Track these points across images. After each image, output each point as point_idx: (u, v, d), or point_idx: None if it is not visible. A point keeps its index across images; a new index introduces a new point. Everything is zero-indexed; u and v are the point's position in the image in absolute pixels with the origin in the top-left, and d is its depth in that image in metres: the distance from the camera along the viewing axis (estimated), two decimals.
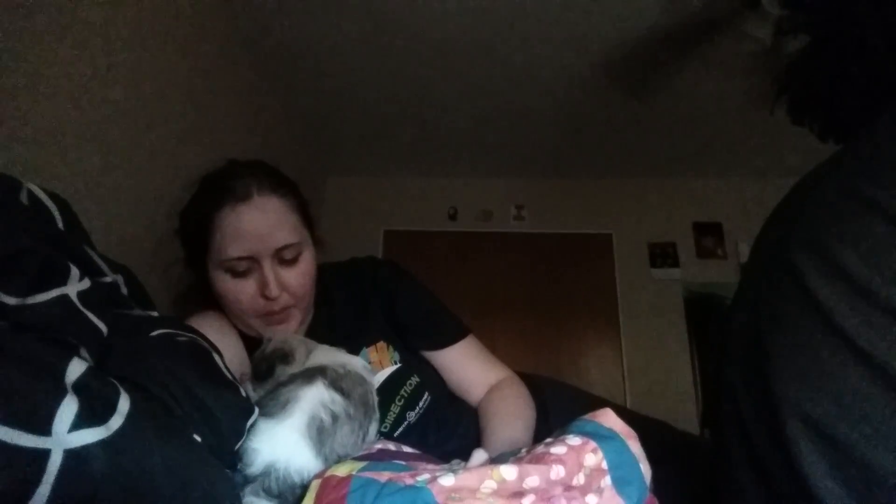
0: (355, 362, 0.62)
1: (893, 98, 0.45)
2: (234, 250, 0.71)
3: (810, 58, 0.55)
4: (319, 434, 0.49)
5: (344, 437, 0.51)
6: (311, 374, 0.54)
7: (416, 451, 0.59)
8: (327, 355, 0.62)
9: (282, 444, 0.48)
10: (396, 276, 0.87)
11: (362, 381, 0.58)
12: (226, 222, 0.71)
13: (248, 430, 0.50)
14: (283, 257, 0.74)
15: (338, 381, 0.54)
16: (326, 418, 0.50)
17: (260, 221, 0.72)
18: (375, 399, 0.60)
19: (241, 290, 0.73)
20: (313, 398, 0.51)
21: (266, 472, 0.47)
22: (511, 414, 0.77)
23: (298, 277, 0.75)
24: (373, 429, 0.57)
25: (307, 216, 0.81)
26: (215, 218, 0.72)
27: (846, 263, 0.37)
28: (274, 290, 0.72)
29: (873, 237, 0.36)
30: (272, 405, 0.51)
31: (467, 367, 0.84)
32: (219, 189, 0.74)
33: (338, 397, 0.52)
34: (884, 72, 0.48)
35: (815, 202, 0.43)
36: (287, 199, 0.76)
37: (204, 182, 0.78)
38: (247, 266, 0.72)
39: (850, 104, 0.53)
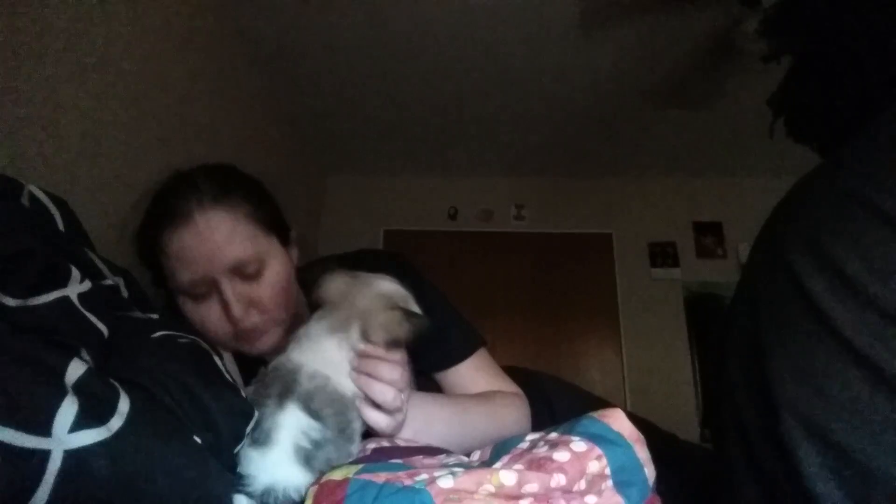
0: (330, 368, 0.55)
1: (890, 103, 0.45)
2: (184, 275, 0.64)
3: (799, 78, 0.55)
4: (308, 459, 0.49)
5: (330, 456, 0.51)
6: (281, 393, 0.52)
7: (413, 444, 0.59)
8: (306, 352, 0.57)
9: (275, 469, 0.49)
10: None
11: (334, 397, 0.53)
12: (169, 247, 0.64)
13: (248, 433, 0.50)
14: (244, 272, 0.66)
15: (308, 401, 0.51)
16: (309, 446, 0.50)
17: (204, 242, 0.64)
18: (352, 416, 0.55)
19: (206, 315, 0.66)
20: (291, 426, 0.50)
21: (266, 493, 0.48)
22: (486, 406, 0.70)
23: (266, 291, 0.67)
24: (354, 448, 0.54)
25: (272, 220, 0.73)
26: (159, 243, 0.65)
27: (844, 266, 0.37)
28: (237, 310, 0.65)
29: (871, 240, 0.36)
30: (257, 432, 0.51)
31: (471, 385, 0.75)
32: (158, 210, 0.67)
33: (314, 423, 0.50)
34: (877, 83, 0.48)
35: (813, 203, 0.43)
36: (238, 207, 0.67)
37: (147, 209, 0.71)
38: (205, 288, 0.65)
39: (846, 118, 0.53)
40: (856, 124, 0.51)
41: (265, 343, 0.69)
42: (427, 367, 0.76)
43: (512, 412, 0.73)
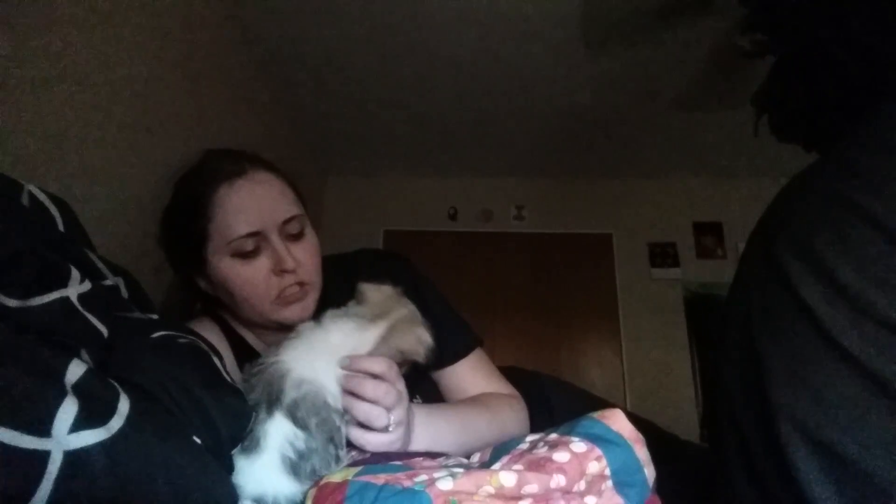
0: (320, 374, 0.54)
1: (874, 105, 0.45)
2: (241, 227, 0.67)
3: (780, 77, 0.55)
4: (294, 468, 0.49)
5: (316, 466, 0.50)
6: (270, 400, 0.51)
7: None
8: (296, 351, 0.56)
9: (265, 478, 0.48)
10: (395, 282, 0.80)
11: (320, 405, 0.52)
12: (226, 200, 0.68)
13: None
14: (290, 231, 0.70)
15: (294, 409, 0.51)
16: (294, 456, 0.49)
17: (261, 193, 0.69)
18: (338, 424, 0.53)
19: (254, 273, 0.68)
20: (277, 434, 0.50)
21: (258, 502, 0.48)
22: (489, 413, 0.69)
23: (307, 252, 0.72)
24: (342, 454, 0.53)
25: (302, 198, 0.78)
26: (213, 199, 0.68)
27: (836, 270, 0.37)
28: (290, 262, 0.68)
29: (862, 244, 0.36)
30: (247, 439, 0.50)
31: (468, 387, 0.76)
32: (207, 172, 0.71)
33: (299, 432, 0.50)
34: (855, 83, 0.48)
35: (805, 207, 0.43)
36: (280, 174, 0.75)
37: (184, 178, 0.74)
38: (255, 244, 0.68)
39: (827, 116, 0.53)
40: (839, 125, 0.51)
41: (304, 308, 0.71)
42: (425, 365, 0.75)
43: (512, 416, 0.73)
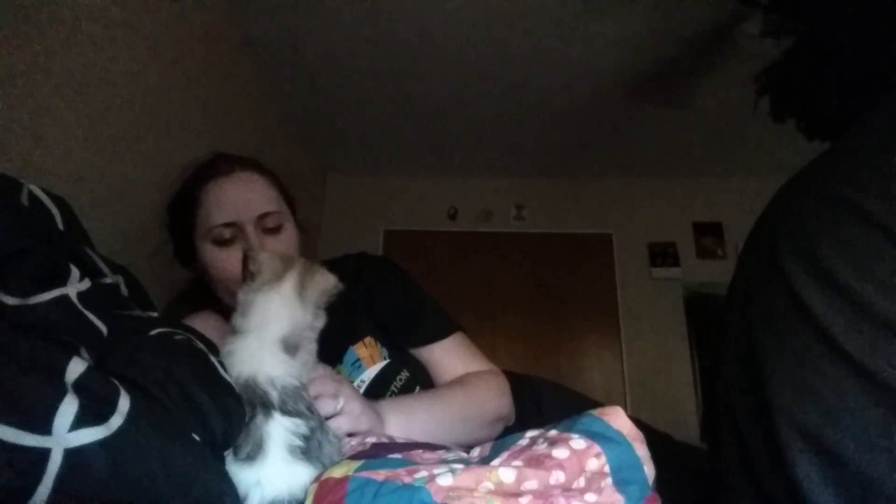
0: (277, 366, 0.55)
1: (874, 100, 0.44)
2: (218, 217, 0.74)
3: (791, 58, 0.55)
4: (306, 453, 0.49)
5: (322, 439, 0.51)
6: (264, 403, 0.52)
7: (409, 440, 0.59)
8: (245, 363, 0.55)
9: (278, 477, 0.48)
10: (379, 272, 0.87)
11: (297, 391, 0.55)
12: (210, 194, 0.76)
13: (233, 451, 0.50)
14: (266, 225, 0.77)
15: (284, 404, 0.52)
16: (302, 442, 0.50)
17: (241, 190, 0.77)
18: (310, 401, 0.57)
19: (228, 258, 0.74)
20: (279, 431, 0.50)
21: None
22: (464, 390, 0.75)
23: (282, 244, 0.77)
24: (332, 428, 0.56)
25: (289, 199, 0.85)
26: (200, 193, 0.77)
27: (836, 272, 0.36)
28: (259, 251, 0.71)
29: (863, 246, 0.36)
30: (246, 446, 0.50)
31: (452, 364, 0.81)
32: (202, 169, 0.80)
33: (298, 419, 0.51)
34: (856, 72, 0.48)
35: (802, 207, 0.43)
36: (269, 177, 0.82)
37: (189, 175, 0.83)
38: (231, 233, 0.75)
39: (828, 103, 0.53)
40: (840, 113, 0.51)
41: None
42: (407, 341, 0.83)
43: (489, 391, 0.78)
